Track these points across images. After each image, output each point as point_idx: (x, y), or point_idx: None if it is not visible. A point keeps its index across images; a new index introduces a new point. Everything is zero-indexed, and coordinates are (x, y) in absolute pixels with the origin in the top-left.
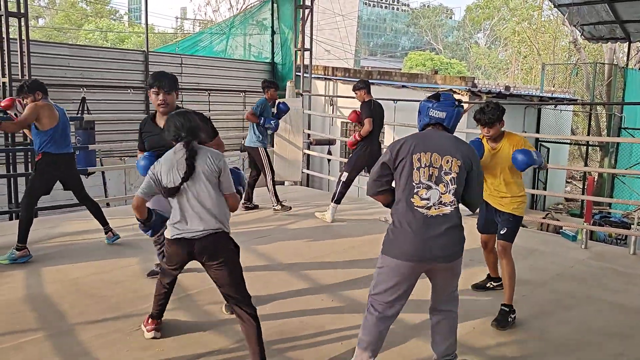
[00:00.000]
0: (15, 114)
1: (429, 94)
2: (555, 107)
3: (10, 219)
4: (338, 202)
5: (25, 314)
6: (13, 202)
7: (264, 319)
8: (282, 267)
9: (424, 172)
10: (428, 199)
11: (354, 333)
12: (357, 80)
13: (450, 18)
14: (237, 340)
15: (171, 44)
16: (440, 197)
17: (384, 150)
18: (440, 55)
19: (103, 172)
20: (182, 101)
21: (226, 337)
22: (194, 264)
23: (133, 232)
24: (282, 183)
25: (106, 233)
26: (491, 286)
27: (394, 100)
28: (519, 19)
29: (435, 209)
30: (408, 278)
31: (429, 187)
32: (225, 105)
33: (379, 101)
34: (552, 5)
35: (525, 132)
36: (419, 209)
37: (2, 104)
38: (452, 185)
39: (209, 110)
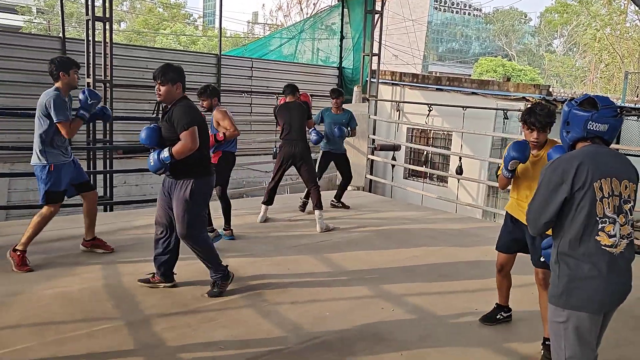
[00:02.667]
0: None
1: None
2: (638, 118)
3: (105, 210)
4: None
5: (101, 304)
6: (108, 195)
7: (323, 325)
8: (343, 273)
9: (608, 203)
10: (615, 236)
11: (415, 342)
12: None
13: (526, 23)
14: (293, 343)
15: (240, 47)
16: (621, 229)
17: (545, 173)
18: (513, 62)
19: None
20: (251, 104)
21: (282, 341)
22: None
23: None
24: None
25: (225, 230)
26: (501, 317)
27: (463, 107)
28: (601, 25)
29: (619, 245)
30: (597, 331)
31: (614, 221)
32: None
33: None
34: (638, 9)
35: None
36: (607, 248)
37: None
38: (630, 215)
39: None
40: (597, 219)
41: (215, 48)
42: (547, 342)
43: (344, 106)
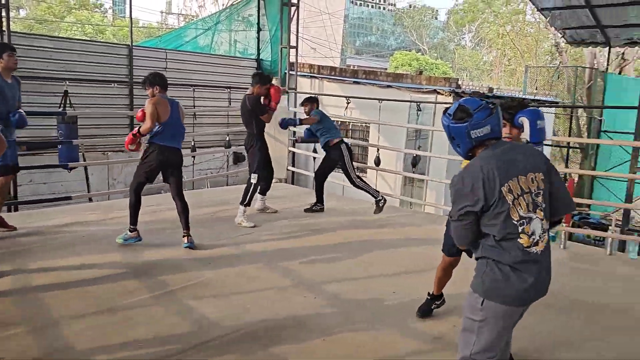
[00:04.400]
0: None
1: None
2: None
3: (9, 210)
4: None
5: (9, 307)
6: (12, 194)
7: (246, 316)
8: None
9: (520, 204)
10: (534, 234)
11: (336, 327)
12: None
13: (436, 19)
14: (217, 336)
15: (154, 38)
16: (542, 224)
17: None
18: (426, 56)
19: (86, 167)
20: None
21: (205, 335)
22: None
23: (117, 227)
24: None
25: (183, 237)
26: (435, 306)
27: (379, 100)
28: (503, 22)
29: (540, 242)
30: (512, 325)
31: (530, 220)
32: (211, 102)
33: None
34: (535, 9)
35: None
36: (528, 248)
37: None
38: (545, 205)
39: (194, 106)
40: (515, 222)
41: (125, 38)
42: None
43: None
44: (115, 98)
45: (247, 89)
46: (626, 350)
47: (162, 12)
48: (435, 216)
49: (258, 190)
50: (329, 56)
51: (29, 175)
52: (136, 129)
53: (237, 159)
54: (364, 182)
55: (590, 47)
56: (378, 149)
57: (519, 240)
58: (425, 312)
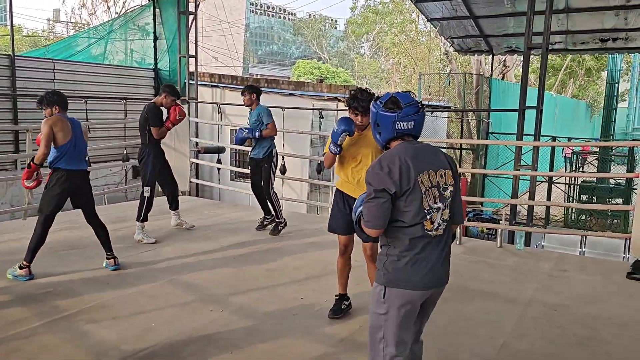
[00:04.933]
0: None
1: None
2: (431, 113)
3: None
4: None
5: None
6: None
7: (149, 336)
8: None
9: (430, 195)
10: (436, 221)
11: (244, 340)
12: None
13: (335, 28)
14: (122, 358)
15: (41, 47)
16: (442, 214)
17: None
18: (327, 65)
19: None
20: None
21: (107, 353)
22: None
23: None
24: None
25: (108, 259)
26: (345, 307)
27: (282, 107)
28: (397, 32)
29: (439, 229)
30: (415, 314)
31: (438, 210)
32: (106, 114)
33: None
34: (426, 19)
35: None
36: (429, 232)
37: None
38: (449, 199)
39: (87, 119)
40: (425, 211)
41: (6, 47)
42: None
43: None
44: None
45: (144, 99)
46: (514, 331)
47: (49, 20)
48: None
49: (169, 206)
50: (230, 65)
51: None
52: (29, 160)
53: (137, 172)
54: (277, 198)
55: (476, 55)
56: (283, 157)
57: (424, 227)
58: (336, 311)
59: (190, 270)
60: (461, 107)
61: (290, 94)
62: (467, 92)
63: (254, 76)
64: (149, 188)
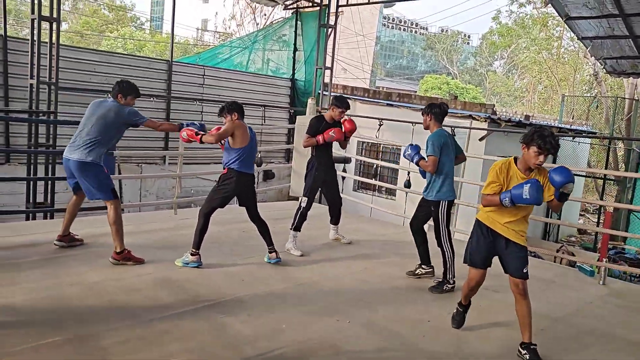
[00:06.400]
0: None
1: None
2: (573, 138)
3: (27, 219)
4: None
5: (42, 318)
6: (31, 201)
7: (280, 337)
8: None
9: None
10: None
11: (371, 353)
12: (372, 100)
13: (468, 44)
14: (251, 356)
15: (193, 55)
16: None
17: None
18: (456, 80)
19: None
20: (202, 112)
21: (242, 348)
22: None
23: (146, 241)
24: (296, 199)
25: (270, 253)
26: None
27: (412, 123)
28: (539, 48)
29: None
30: None
31: None
32: (246, 119)
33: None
34: (575, 37)
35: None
36: None
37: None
38: None
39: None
40: None
41: (163, 54)
42: (524, 346)
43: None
44: (153, 112)
45: (280, 107)
46: None
47: (198, 29)
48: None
49: (330, 219)
50: (359, 77)
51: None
52: (201, 135)
53: (267, 176)
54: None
55: (631, 78)
56: (409, 172)
57: None
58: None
59: (317, 277)
60: (609, 134)
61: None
62: (617, 118)
63: (382, 89)
64: (306, 199)
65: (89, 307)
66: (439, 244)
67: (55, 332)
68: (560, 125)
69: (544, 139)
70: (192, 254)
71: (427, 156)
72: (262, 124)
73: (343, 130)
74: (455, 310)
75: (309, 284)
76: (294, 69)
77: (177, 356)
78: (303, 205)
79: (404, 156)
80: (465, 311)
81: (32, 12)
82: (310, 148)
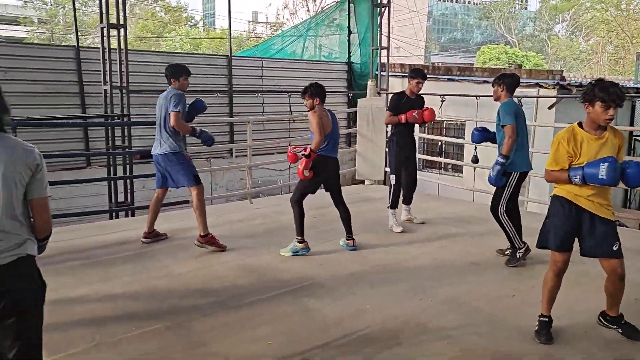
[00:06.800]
0: None
1: None
2: None
3: (111, 217)
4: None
5: (140, 307)
6: (113, 201)
7: (364, 318)
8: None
9: None
10: None
11: (455, 330)
12: (435, 76)
13: (525, 9)
14: (338, 337)
15: (249, 48)
16: None
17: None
18: (515, 48)
19: None
20: (262, 103)
21: (330, 330)
22: None
23: (228, 232)
24: (363, 182)
25: (347, 240)
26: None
27: (476, 96)
28: (606, 5)
29: None
30: None
31: None
32: (304, 107)
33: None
34: None
35: (618, 125)
36: None
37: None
38: None
39: (291, 112)
40: None
41: (218, 49)
42: (612, 320)
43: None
44: (216, 107)
45: (337, 92)
46: None
47: (249, 22)
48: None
49: (402, 199)
50: (414, 54)
51: (142, 182)
52: (307, 148)
53: None
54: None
55: None
56: (475, 147)
57: None
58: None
59: (394, 258)
60: None
61: (485, 81)
62: None
63: (438, 64)
64: (394, 176)
65: (180, 296)
66: (495, 215)
67: (154, 320)
68: (637, 86)
69: (606, 90)
70: (299, 242)
71: (501, 126)
72: None
73: (423, 116)
74: (537, 324)
75: (386, 265)
76: (349, 53)
77: (269, 339)
78: (392, 182)
79: (473, 141)
80: (550, 323)
81: (101, 21)
82: (392, 126)
